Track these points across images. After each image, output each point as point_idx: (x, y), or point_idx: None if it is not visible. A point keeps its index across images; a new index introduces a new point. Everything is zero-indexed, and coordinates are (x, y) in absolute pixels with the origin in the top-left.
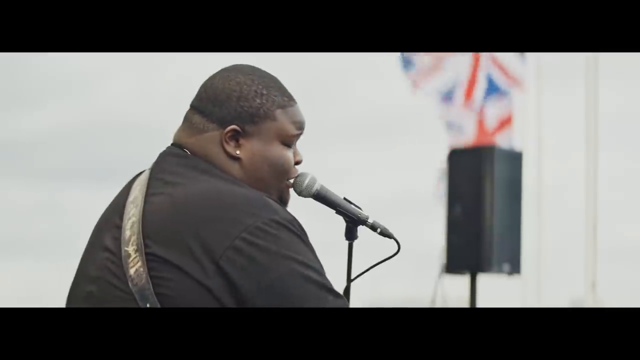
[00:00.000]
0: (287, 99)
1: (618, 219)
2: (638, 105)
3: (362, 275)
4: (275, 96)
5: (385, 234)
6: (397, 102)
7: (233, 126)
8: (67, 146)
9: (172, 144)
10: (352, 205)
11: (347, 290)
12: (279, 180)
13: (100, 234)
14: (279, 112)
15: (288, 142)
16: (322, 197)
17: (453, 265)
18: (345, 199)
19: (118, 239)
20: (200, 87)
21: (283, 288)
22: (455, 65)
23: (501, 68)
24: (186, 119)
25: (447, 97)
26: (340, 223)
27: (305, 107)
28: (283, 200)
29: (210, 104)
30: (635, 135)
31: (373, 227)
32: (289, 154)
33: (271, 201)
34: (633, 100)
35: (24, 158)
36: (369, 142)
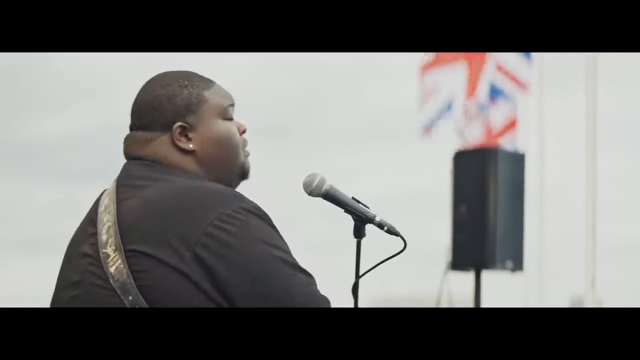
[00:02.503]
0: (207, 81)
1: (617, 219)
2: (636, 107)
3: (370, 272)
4: (197, 82)
5: (392, 232)
6: (403, 105)
7: (178, 123)
8: (87, 148)
9: (128, 159)
10: (360, 205)
11: (355, 286)
12: (235, 153)
13: (77, 246)
14: (207, 93)
15: (227, 115)
16: (331, 197)
17: (458, 262)
18: (353, 198)
19: (95, 244)
20: (131, 110)
21: (255, 268)
22: (451, 78)
23: (506, 73)
24: (129, 139)
25: (447, 110)
26: (348, 222)
27: (316, 110)
28: (245, 170)
29: (147, 117)
30: (634, 137)
31: (380, 226)
32: (232, 126)
33: (237, 191)
34: (631, 103)
35: (47, 160)
36: (376, 144)
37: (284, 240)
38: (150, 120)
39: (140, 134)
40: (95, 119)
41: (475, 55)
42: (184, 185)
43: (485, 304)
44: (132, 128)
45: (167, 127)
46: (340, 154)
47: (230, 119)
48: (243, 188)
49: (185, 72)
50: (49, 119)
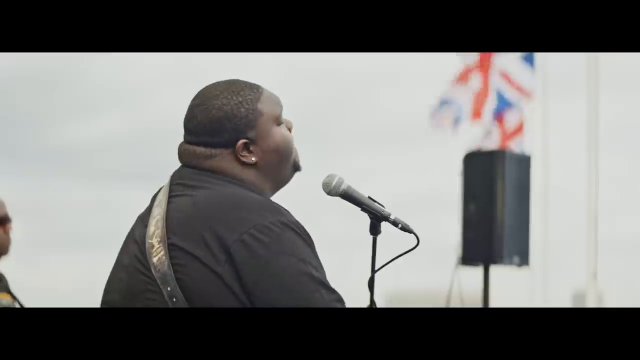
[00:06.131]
0: (256, 90)
1: (617, 216)
2: (635, 112)
3: (385, 267)
4: (249, 95)
5: (405, 229)
6: (417, 109)
7: (241, 141)
8: (119, 151)
9: (184, 166)
10: (376, 203)
11: (371, 280)
12: (290, 155)
13: (133, 231)
14: (260, 106)
15: (280, 120)
16: (348, 196)
17: (468, 257)
18: (369, 197)
19: (144, 235)
20: (187, 127)
21: (279, 280)
22: (461, 91)
23: (511, 82)
24: (188, 151)
25: (456, 122)
26: (365, 219)
27: (335, 115)
28: (297, 165)
29: (206, 137)
30: (633, 139)
31: (395, 223)
32: (284, 130)
33: (281, 207)
34: (631, 108)
35: (82, 161)
36: (391, 146)
37: (316, 257)
38: (211, 140)
39: (201, 150)
40: (127, 123)
41: (484, 69)
42: (232, 192)
43: (493, 297)
44: (189, 142)
45: (229, 145)
46: (357, 156)
47: (281, 123)
48: None
49: (234, 83)
50: (84, 124)
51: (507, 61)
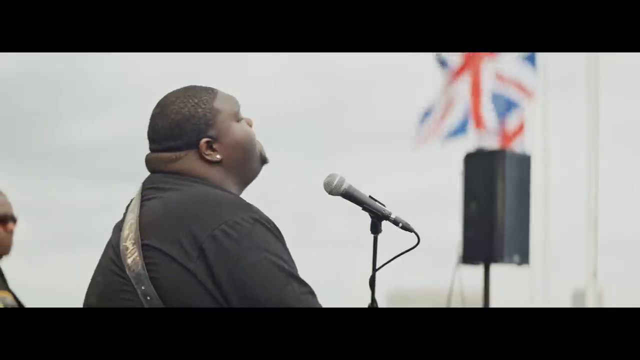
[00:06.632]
0: (211, 92)
1: (617, 215)
2: (635, 113)
3: (386, 265)
4: (205, 96)
5: (406, 228)
6: (418, 110)
7: (204, 140)
8: (123, 151)
9: (154, 173)
10: (377, 203)
11: (372, 278)
12: (252, 150)
13: (111, 237)
14: (216, 104)
15: (239, 117)
16: (349, 195)
17: (469, 256)
18: (370, 196)
19: (119, 238)
20: (150, 137)
21: (249, 274)
22: (460, 99)
23: (513, 83)
24: (154, 159)
25: (459, 131)
26: (366, 219)
27: (335, 115)
28: (263, 157)
29: (169, 141)
30: (633, 139)
31: (395, 222)
32: (244, 125)
33: (251, 204)
34: (630, 108)
35: (86, 162)
36: (392, 147)
37: (287, 252)
38: (174, 144)
39: (166, 155)
40: (130, 123)
41: (475, 67)
42: (202, 191)
43: (493, 295)
44: (154, 150)
45: (192, 145)
46: (358, 156)
47: (241, 119)
48: (266, 190)
49: (189, 88)
50: (88, 124)
51: (508, 62)
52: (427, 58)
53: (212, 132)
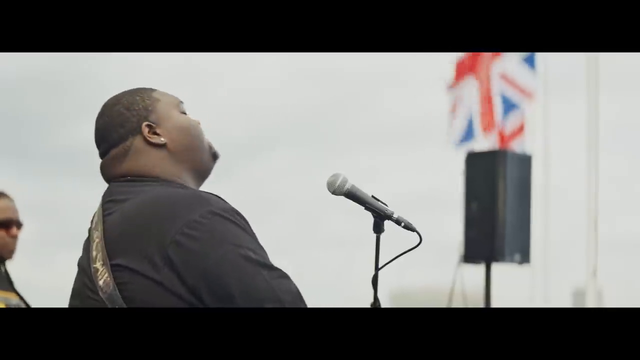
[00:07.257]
0: (149, 88)
1: (616, 215)
2: (634, 113)
3: (388, 265)
4: (143, 91)
5: (408, 227)
6: (420, 111)
7: (145, 123)
8: None
9: (110, 182)
10: (379, 202)
11: (375, 277)
12: (201, 138)
13: (81, 259)
14: (155, 94)
15: (181, 109)
16: (352, 195)
17: (470, 255)
18: (373, 196)
19: (89, 259)
20: (96, 140)
21: (219, 270)
22: (468, 99)
23: (513, 84)
24: (105, 164)
25: (467, 135)
26: (368, 218)
27: (337, 115)
28: (214, 151)
29: (113, 134)
30: (633, 139)
31: (398, 222)
32: (189, 117)
33: (206, 194)
34: (630, 109)
35: (92, 162)
36: (395, 147)
37: (254, 239)
38: (117, 136)
39: (114, 152)
40: None
41: (483, 71)
42: (156, 194)
43: (494, 294)
44: (101, 153)
45: (135, 131)
46: (361, 156)
47: (185, 113)
48: (270, 189)
49: (128, 89)
50: (93, 125)
51: (509, 63)
52: (428, 58)
53: (152, 118)
